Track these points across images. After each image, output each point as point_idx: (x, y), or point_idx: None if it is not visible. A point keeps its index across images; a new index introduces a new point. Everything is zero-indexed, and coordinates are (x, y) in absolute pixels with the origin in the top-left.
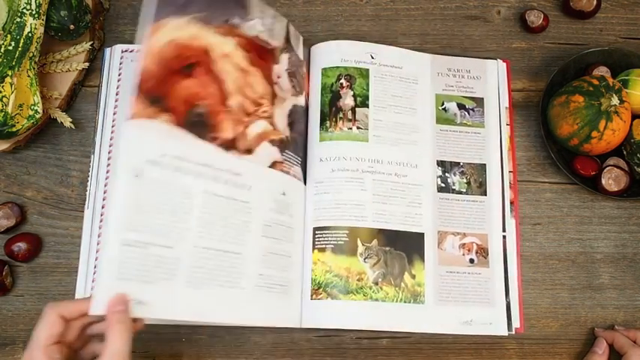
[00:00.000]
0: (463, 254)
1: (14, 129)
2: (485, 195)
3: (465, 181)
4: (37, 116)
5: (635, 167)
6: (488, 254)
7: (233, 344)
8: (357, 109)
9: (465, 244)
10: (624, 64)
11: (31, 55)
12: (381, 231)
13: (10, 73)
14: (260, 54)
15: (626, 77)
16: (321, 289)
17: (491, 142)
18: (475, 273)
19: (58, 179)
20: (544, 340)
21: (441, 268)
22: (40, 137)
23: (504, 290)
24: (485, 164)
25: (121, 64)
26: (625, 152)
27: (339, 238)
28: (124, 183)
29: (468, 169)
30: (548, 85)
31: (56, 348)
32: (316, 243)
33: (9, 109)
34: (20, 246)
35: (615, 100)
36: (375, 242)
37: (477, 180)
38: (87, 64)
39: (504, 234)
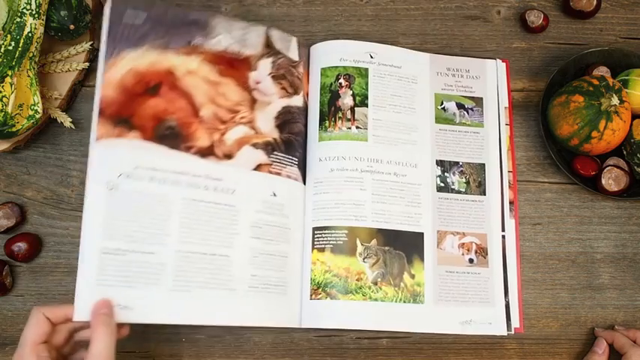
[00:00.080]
0: (462, 254)
1: (14, 129)
2: (485, 195)
3: (464, 180)
4: (37, 116)
5: (635, 167)
6: (487, 254)
7: (233, 344)
8: (356, 108)
9: (464, 243)
10: (624, 64)
11: (31, 55)
12: (380, 231)
13: (10, 73)
14: (231, 64)
15: (626, 77)
16: (320, 289)
17: (490, 141)
18: (474, 273)
19: (58, 179)
20: (544, 340)
21: (440, 268)
22: (40, 137)
23: (504, 290)
24: (484, 164)
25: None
26: (625, 152)
27: (338, 238)
28: (98, 196)
29: (467, 168)
30: (548, 85)
31: (44, 347)
32: (315, 243)
33: (9, 109)
34: (20, 246)
35: (615, 100)
36: (374, 242)
37: (476, 180)
38: (87, 64)
39: (503, 234)
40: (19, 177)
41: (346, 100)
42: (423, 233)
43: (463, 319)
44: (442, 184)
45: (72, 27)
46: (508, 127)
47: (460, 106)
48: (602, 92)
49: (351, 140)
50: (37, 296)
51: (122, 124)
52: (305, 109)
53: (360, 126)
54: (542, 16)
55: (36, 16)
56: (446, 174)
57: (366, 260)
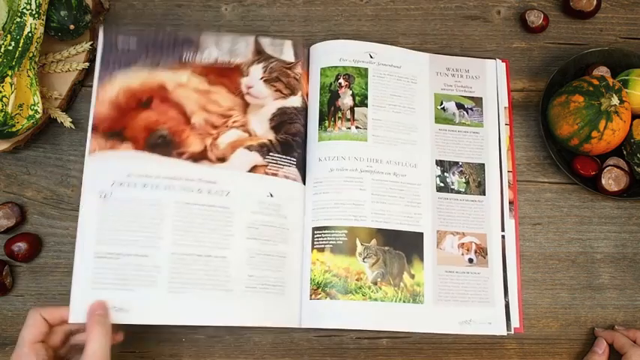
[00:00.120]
0: (462, 254)
1: (14, 129)
2: (484, 195)
3: (463, 180)
4: (37, 116)
5: (635, 167)
6: (487, 254)
7: (233, 344)
8: (355, 108)
9: (463, 243)
10: (624, 64)
11: (31, 55)
12: (380, 231)
13: (10, 73)
14: (221, 74)
15: (626, 77)
16: (320, 289)
17: (489, 141)
18: (474, 273)
19: (58, 179)
20: (544, 340)
21: (440, 268)
22: (40, 137)
23: (503, 290)
24: (483, 164)
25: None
26: (625, 152)
27: (338, 238)
28: (92, 205)
29: (466, 168)
30: (548, 85)
31: (41, 346)
32: (315, 243)
33: (9, 109)
34: (20, 246)
35: (615, 100)
36: (374, 242)
37: (475, 180)
38: (87, 64)
39: (503, 234)
40: (19, 177)
41: (346, 100)
42: (422, 233)
43: (463, 319)
44: (442, 184)
45: (72, 27)
46: (508, 127)
47: (460, 106)
48: (602, 92)
49: (351, 140)
50: (37, 296)
51: (114, 137)
52: (304, 109)
53: (359, 126)
54: (542, 16)
55: (36, 16)
56: (445, 174)
57: (365, 260)
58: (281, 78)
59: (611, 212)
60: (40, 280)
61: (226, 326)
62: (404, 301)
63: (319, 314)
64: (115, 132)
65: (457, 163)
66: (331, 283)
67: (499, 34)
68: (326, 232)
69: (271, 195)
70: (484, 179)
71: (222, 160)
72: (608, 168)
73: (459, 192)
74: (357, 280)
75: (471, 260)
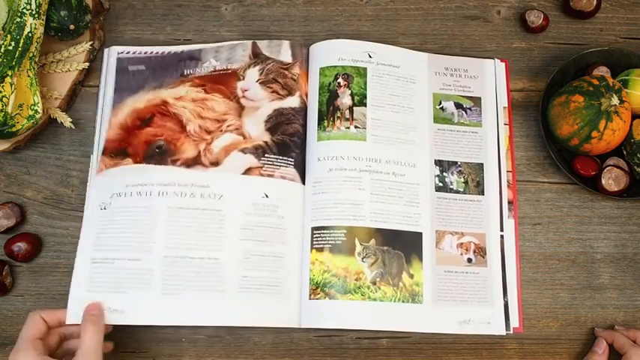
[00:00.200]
0: (461, 254)
1: (14, 129)
2: (483, 194)
3: (462, 180)
4: (37, 116)
5: (635, 167)
6: (485, 254)
7: (233, 344)
8: (354, 108)
9: (462, 243)
10: (624, 64)
11: (31, 55)
12: (379, 230)
13: (10, 73)
14: (217, 81)
15: (626, 77)
16: (319, 289)
17: (488, 141)
18: (473, 272)
19: (58, 179)
20: (544, 340)
21: (439, 268)
22: (40, 137)
23: (502, 290)
24: (482, 164)
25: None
26: (625, 152)
27: (337, 238)
28: (93, 217)
29: (465, 168)
30: (548, 85)
31: (39, 342)
32: (314, 243)
33: (9, 109)
34: (20, 246)
35: (615, 100)
36: (373, 242)
37: (474, 179)
38: (87, 64)
39: (502, 233)
40: (19, 177)
41: (345, 99)
42: (421, 233)
43: (462, 319)
44: (441, 184)
45: (72, 27)
46: (507, 126)
47: (458, 105)
48: (602, 92)
49: (350, 140)
50: (36, 296)
51: (119, 156)
52: (303, 110)
53: (358, 125)
54: (542, 16)
55: (36, 16)
56: (444, 174)
57: (364, 260)
58: (278, 79)
59: (611, 212)
60: (40, 280)
61: (226, 326)
62: (403, 301)
63: (318, 314)
64: (120, 151)
65: (456, 162)
66: (330, 283)
67: (499, 34)
68: (325, 232)
69: (266, 196)
70: (483, 179)
71: (215, 164)
72: (608, 168)
73: (457, 192)
74: (356, 280)
75: (469, 260)
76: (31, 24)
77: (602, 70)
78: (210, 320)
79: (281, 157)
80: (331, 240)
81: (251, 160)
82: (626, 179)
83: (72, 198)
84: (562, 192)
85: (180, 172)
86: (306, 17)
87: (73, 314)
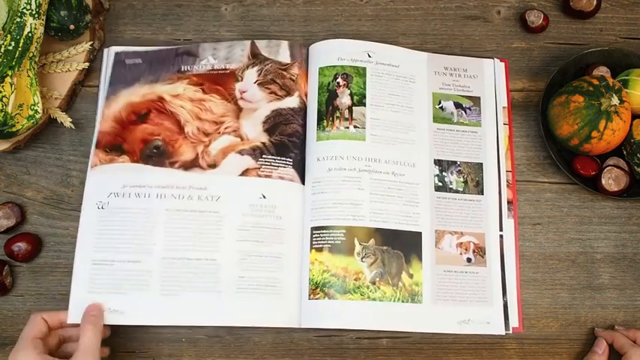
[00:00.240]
0: (460, 253)
1: (14, 129)
2: (482, 194)
3: (461, 180)
4: (37, 116)
5: (635, 167)
6: (485, 253)
7: (233, 344)
8: (354, 107)
9: (462, 243)
10: (624, 64)
11: (31, 55)
12: (378, 230)
13: (10, 73)
14: (216, 81)
15: (626, 77)
16: (318, 289)
17: (487, 141)
18: (472, 272)
19: (58, 179)
20: (544, 340)
21: (438, 268)
22: (40, 137)
23: (501, 289)
24: (481, 163)
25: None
26: (625, 152)
27: (336, 238)
28: (91, 216)
29: (464, 168)
30: (548, 85)
31: (39, 341)
32: (314, 243)
33: (9, 109)
34: (20, 246)
35: (615, 100)
36: (372, 241)
37: (473, 179)
38: (87, 64)
39: (501, 233)
40: (19, 177)
41: (344, 99)
42: (421, 233)
43: (461, 319)
44: (440, 184)
45: (72, 27)
46: (507, 126)
47: (458, 105)
48: (602, 92)
49: (349, 140)
50: (37, 296)
51: (114, 151)
52: (302, 110)
53: (357, 125)
54: (542, 16)
55: (36, 16)
56: (444, 173)
57: (364, 260)
58: (276, 80)
59: (611, 212)
60: (40, 280)
61: (226, 326)
62: (402, 301)
63: (318, 314)
64: (115, 146)
65: (455, 162)
66: (329, 283)
67: (499, 34)
68: (324, 231)
69: (264, 196)
70: (482, 179)
71: (212, 166)
72: (608, 168)
73: (457, 191)
74: (355, 279)
75: (469, 260)
76: (31, 24)
77: (602, 70)
78: (208, 320)
79: (279, 158)
80: (330, 240)
81: (248, 162)
82: (626, 179)
83: (72, 198)
84: (562, 192)
85: (178, 175)
86: (306, 17)
87: (73, 314)
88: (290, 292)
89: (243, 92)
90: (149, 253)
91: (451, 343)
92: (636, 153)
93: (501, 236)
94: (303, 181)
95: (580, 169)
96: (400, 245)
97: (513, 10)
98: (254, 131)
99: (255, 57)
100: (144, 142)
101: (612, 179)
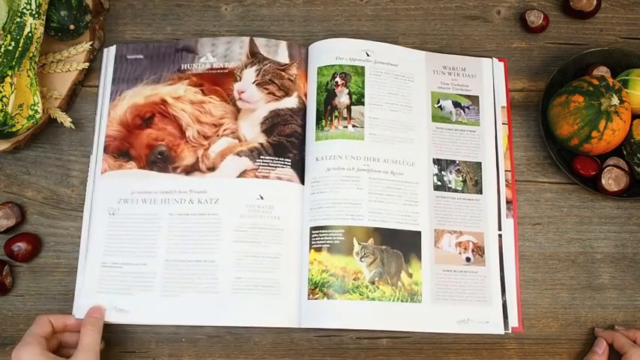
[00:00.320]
0: (459, 253)
1: (14, 129)
2: (481, 193)
3: (460, 179)
4: (37, 116)
5: (635, 167)
6: (484, 253)
7: (233, 344)
8: (352, 107)
9: (461, 242)
10: (624, 64)
11: (31, 55)
12: (377, 230)
13: (10, 73)
14: (215, 82)
15: (626, 77)
16: (317, 289)
17: (486, 140)
18: (472, 272)
19: (58, 179)
20: (544, 340)
21: (437, 267)
22: (40, 137)
23: (501, 289)
24: (480, 162)
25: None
26: (625, 152)
27: (335, 238)
28: (102, 221)
29: (463, 167)
30: (548, 85)
31: (44, 340)
32: (313, 242)
33: (9, 109)
34: (20, 246)
35: (615, 100)
36: (371, 241)
37: (472, 178)
38: (87, 64)
39: (500, 233)
40: (19, 177)
41: (342, 98)
42: (420, 232)
43: (460, 318)
44: (439, 183)
45: (72, 27)
46: (506, 126)
47: (456, 104)
48: (602, 92)
49: (348, 139)
50: (37, 296)
51: (122, 157)
52: (301, 110)
53: (356, 125)
54: (542, 16)
55: (36, 16)
56: (443, 172)
57: (363, 259)
58: (274, 80)
59: (611, 212)
60: (40, 280)
61: (226, 326)
62: (402, 301)
63: (317, 314)
64: (123, 152)
65: (454, 161)
66: (328, 283)
67: (499, 34)
68: (323, 231)
69: (261, 197)
70: (481, 178)
71: (212, 169)
72: (608, 168)
73: (456, 190)
74: (354, 279)
75: (468, 259)
76: (31, 24)
77: (602, 70)
78: (208, 320)
79: (277, 159)
80: (329, 240)
81: (246, 163)
82: (626, 179)
83: (72, 198)
84: (562, 192)
85: (180, 180)
86: (306, 17)
87: (80, 309)
88: (289, 292)
89: (242, 92)
90: (154, 256)
91: (451, 343)
92: (636, 153)
93: (500, 236)
94: (302, 182)
95: (580, 169)
96: (399, 245)
97: (513, 10)
98: (252, 132)
99: (254, 56)
100: (149, 147)
101: (612, 179)
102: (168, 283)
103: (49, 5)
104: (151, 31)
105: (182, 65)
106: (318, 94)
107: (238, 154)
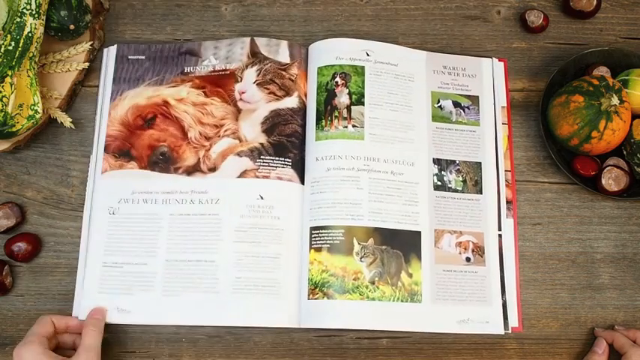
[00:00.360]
0: (459, 253)
1: (14, 129)
2: (481, 193)
3: (460, 179)
4: (37, 116)
5: (635, 167)
6: (484, 253)
7: (233, 344)
8: (352, 107)
9: (461, 242)
10: (624, 64)
11: (31, 55)
12: (377, 230)
13: (10, 73)
14: (217, 83)
15: (626, 77)
16: (317, 289)
17: (486, 140)
18: (471, 272)
19: (58, 179)
20: (544, 340)
21: (437, 267)
22: (40, 137)
23: (500, 289)
24: (480, 162)
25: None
26: (625, 152)
27: (335, 238)
28: (102, 220)
29: (463, 167)
30: (548, 85)
31: (46, 339)
32: (312, 242)
33: (9, 109)
34: (20, 246)
35: (615, 100)
36: (371, 241)
37: (472, 178)
38: (87, 64)
39: (500, 233)
40: (19, 177)
41: (342, 98)
42: (420, 232)
43: (460, 318)
44: (439, 183)
45: (72, 27)
46: (506, 126)
47: (456, 104)
48: (602, 92)
49: (348, 139)
50: (37, 296)
51: (123, 157)
52: (301, 110)
53: (356, 124)
54: (542, 16)
55: (36, 16)
56: (443, 172)
57: (363, 259)
58: (275, 80)
59: (611, 212)
60: (40, 280)
61: (226, 326)
62: (402, 301)
63: (317, 314)
64: (124, 151)
65: (454, 161)
66: (328, 283)
67: (499, 34)
68: (323, 231)
69: (261, 197)
70: (481, 178)
71: (213, 169)
72: (608, 168)
73: (456, 190)
74: (354, 279)
75: (468, 259)
76: (31, 24)
77: (602, 70)
78: (208, 320)
79: (277, 158)
80: (329, 240)
81: (246, 163)
82: (626, 179)
83: (72, 198)
84: (562, 192)
85: (181, 180)
86: (306, 17)
87: (82, 310)
88: (289, 292)
89: (243, 93)
90: (154, 256)
91: (451, 343)
92: (636, 153)
93: (500, 236)
94: (302, 182)
95: (580, 169)
96: (399, 245)
97: (513, 10)
98: (252, 132)
99: (255, 56)
100: (151, 148)
101: (612, 179)
102: (168, 283)
103: (49, 5)
104: (151, 31)
105: (185, 68)
106: (318, 94)
107: (239, 154)
